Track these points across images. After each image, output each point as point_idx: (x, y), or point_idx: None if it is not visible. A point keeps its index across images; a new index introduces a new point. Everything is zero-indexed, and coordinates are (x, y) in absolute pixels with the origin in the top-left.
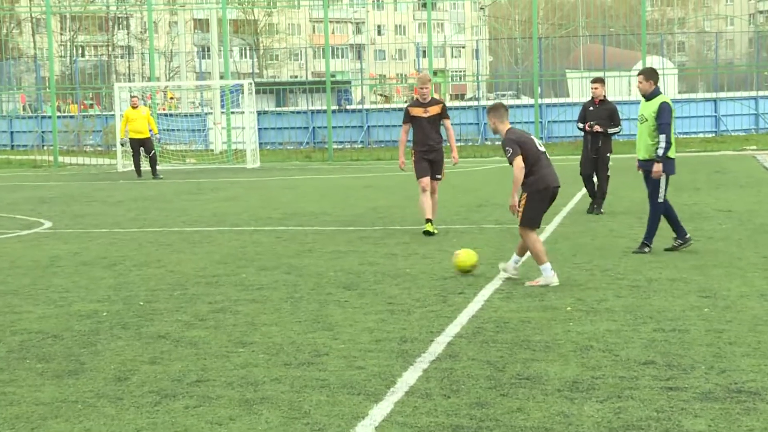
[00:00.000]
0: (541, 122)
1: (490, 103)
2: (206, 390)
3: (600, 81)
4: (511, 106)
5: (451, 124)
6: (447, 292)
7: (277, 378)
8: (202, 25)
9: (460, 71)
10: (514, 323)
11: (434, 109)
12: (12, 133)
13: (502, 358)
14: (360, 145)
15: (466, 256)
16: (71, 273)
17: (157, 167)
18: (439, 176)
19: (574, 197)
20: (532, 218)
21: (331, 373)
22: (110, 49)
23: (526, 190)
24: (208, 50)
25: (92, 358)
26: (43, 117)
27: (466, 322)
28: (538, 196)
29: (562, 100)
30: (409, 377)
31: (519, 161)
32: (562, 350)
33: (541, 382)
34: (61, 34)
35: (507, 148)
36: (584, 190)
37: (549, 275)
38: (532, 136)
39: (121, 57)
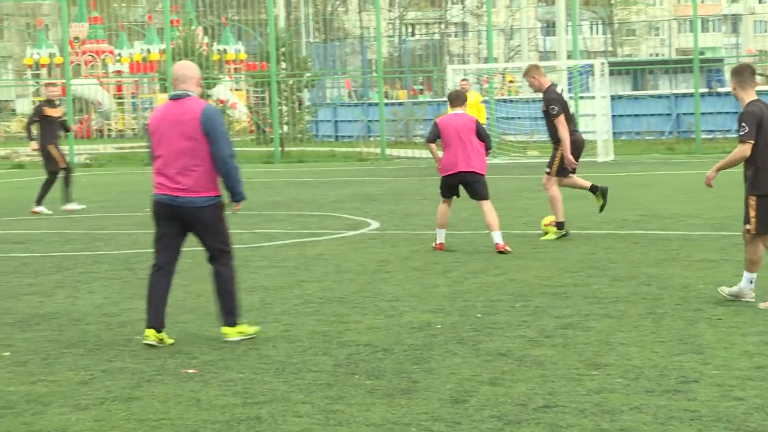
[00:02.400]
0: None
1: None
2: (555, 417)
3: None
4: None
5: None
6: None
7: (638, 407)
8: None
9: None
10: None
11: None
12: (336, 122)
13: None
14: (734, 135)
15: None
16: (401, 279)
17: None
18: None
19: None
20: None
21: (703, 404)
22: (443, 26)
23: (754, 193)
24: (554, 26)
25: (426, 375)
26: (369, 104)
27: None
28: None
29: None
30: None
31: (746, 150)
32: None
33: None
34: (390, 11)
35: (742, 125)
36: None
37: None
38: None
39: (455, 35)
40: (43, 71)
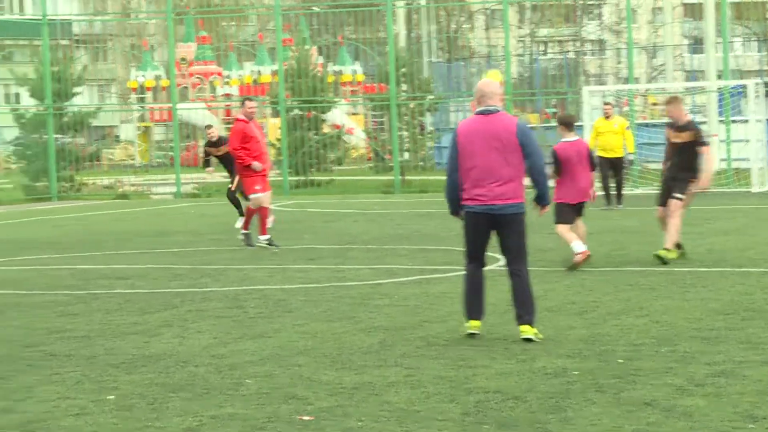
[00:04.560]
0: None
1: None
2: None
3: None
4: None
5: None
6: None
7: None
8: (693, 11)
9: None
10: None
11: None
12: None
13: None
14: None
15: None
16: (540, 319)
17: (623, 192)
18: None
19: None
20: None
21: None
22: (578, 44)
23: None
24: (701, 42)
25: (562, 426)
26: None
27: None
28: None
29: None
30: None
31: None
32: None
33: None
34: (519, 28)
35: None
36: None
37: None
38: None
39: (591, 54)
40: (149, 95)
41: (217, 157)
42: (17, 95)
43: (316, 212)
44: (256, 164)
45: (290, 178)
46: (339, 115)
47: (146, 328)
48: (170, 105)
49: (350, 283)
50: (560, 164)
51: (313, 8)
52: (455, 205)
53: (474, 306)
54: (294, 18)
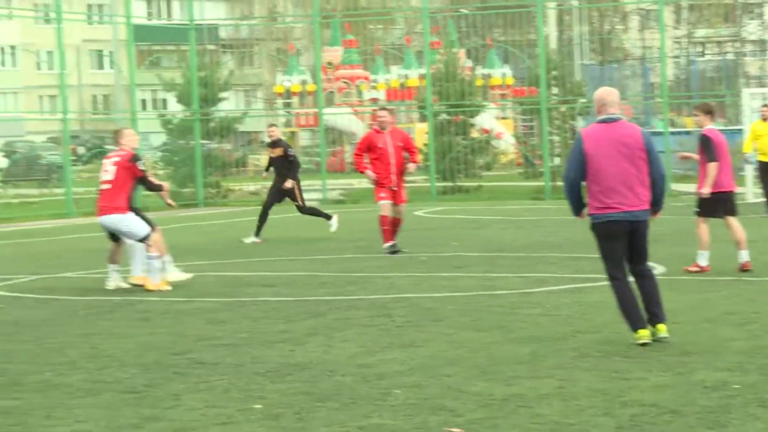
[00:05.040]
0: None
1: None
2: None
3: None
4: None
5: None
6: None
7: None
8: None
9: None
10: None
11: None
12: None
13: None
14: None
15: None
16: (690, 332)
17: None
18: None
19: None
20: None
21: None
22: (738, 45)
23: None
24: None
25: None
26: (653, 133)
27: None
28: None
29: None
30: None
31: None
32: None
33: None
34: (676, 29)
35: None
36: None
37: None
38: None
39: (752, 54)
40: (295, 99)
41: (271, 158)
42: (164, 101)
43: (464, 219)
44: (369, 173)
45: (437, 184)
46: (488, 119)
47: (293, 336)
48: (316, 110)
49: (499, 292)
50: (715, 149)
51: (462, 10)
52: (579, 205)
53: (636, 315)
54: (442, 20)
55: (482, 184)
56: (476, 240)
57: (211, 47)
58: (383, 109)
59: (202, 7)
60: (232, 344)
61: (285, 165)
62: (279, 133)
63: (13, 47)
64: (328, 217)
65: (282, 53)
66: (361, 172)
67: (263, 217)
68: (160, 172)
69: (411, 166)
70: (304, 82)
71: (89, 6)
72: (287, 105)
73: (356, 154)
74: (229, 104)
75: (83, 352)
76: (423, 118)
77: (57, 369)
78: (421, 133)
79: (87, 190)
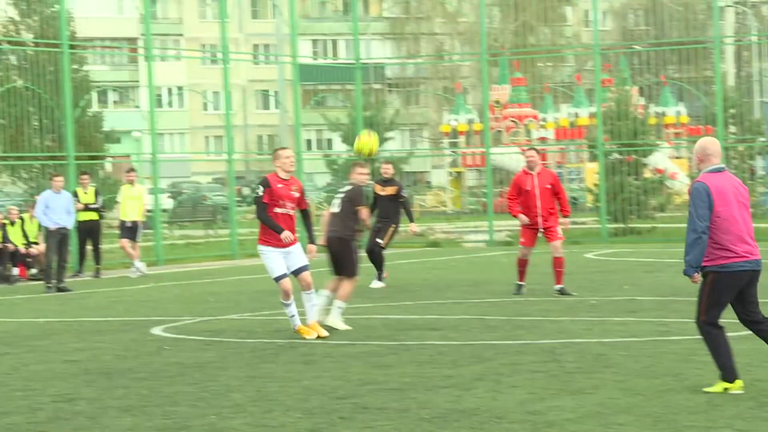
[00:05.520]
0: None
1: None
2: None
3: None
4: None
5: None
6: None
7: None
8: None
9: None
10: None
11: None
12: None
13: None
14: None
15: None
16: None
17: None
18: None
19: None
20: None
21: None
22: None
23: None
24: None
25: None
26: None
27: None
28: None
29: None
30: None
31: None
32: None
33: None
34: None
35: None
36: None
37: None
38: None
39: None
40: (461, 139)
41: (378, 197)
42: (329, 141)
43: (636, 262)
44: (522, 218)
45: (608, 226)
46: (661, 158)
47: (459, 381)
48: (483, 149)
49: (674, 338)
50: None
51: (635, 47)
52: (701, 260)
53: (733, 365)
54: (614, 57)
55: (656, 225)
56: (649, 283)
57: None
58: (531, 149)
59: (368, 46)
60: (398, 389)
61: (394, 206)
62: (392, 170)
63: (180, 88)
64: (380, 274)
65: (449, 92)
66: (514, 216)
67: (379, 259)
68: (325, 213)
69: (565, 222)
70: (470, 121)
71: (255, 46)
72: (453, 144)
73: (508, 197)
74: (394, 144)
75: (248, 396)
76: (593, 158)
77: (222, 412)
78: (591, 173)
79: (251, 231)
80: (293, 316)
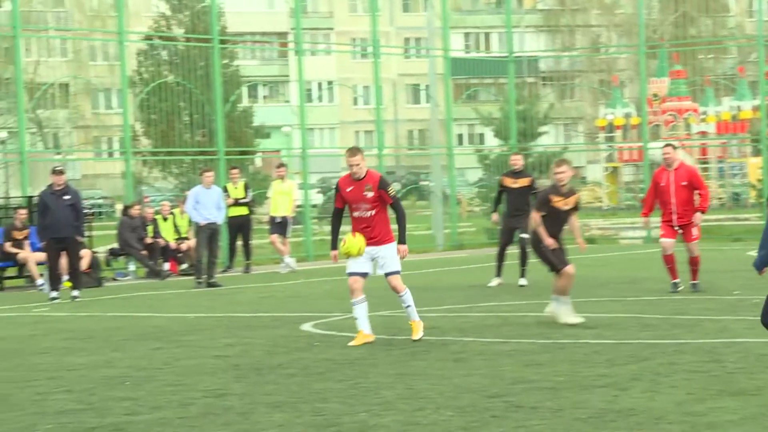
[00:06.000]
0: None
1: None
2: None
3: None
4: None
5: None
6: None
7: None
8: None
9: None
10: None
11: None
12: None
13: None
14: None
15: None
16: None
17: None
18: None
19: None
20: None
21: None
22: None
23: None
24: None
25: None
26: None
27: None
28: None
29: None
30: None
31: None
32: None
33: None
34: None
35: None
36: None
37: None
38: None
39: None
40: (618, 133)
41: (508, 189)
42: (481, 135)
43: None
44: (646, 220)
45: None
46: None
47: (615, 381)
48: (641, 144)
49: None
50: None
51: None
52: None
53: None
54: None
55: None
56: None
57: (531, 80)
58: (668, 145)
59: (521, 39)
60: (551, 388)
61: (526, 198)
62: (522, 161)
63: (330, 82)
64: (525, 270)
65: (605, 85)
66: (642, 215)
67: (526, 256)
68: (476, 208)
69: (697, 217)
70: (627, 115)
71: (406, 40)
72: (610, 139)
73: (647, 195)
74: (548, 138)
75: (398, 393)
76: (757, 152)
77: (372, 410)
78: (754, 168)
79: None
80: (357, 318)
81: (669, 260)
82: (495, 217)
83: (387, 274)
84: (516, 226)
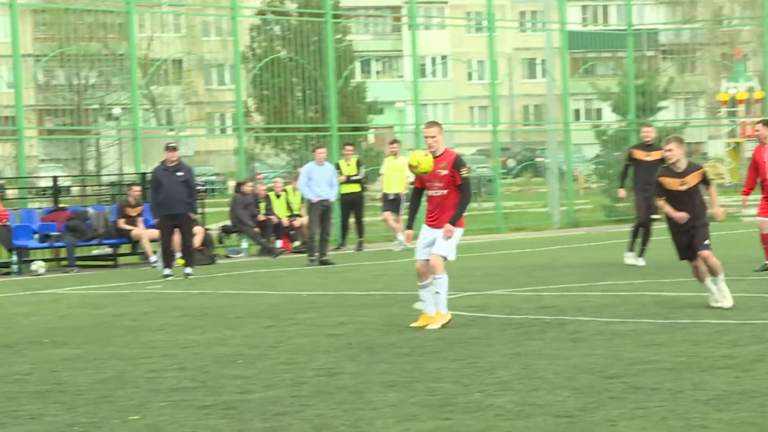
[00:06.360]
0: None
1: None
2: None
3: None
4: None
5: None
6: None
7: None
8: None
9: None
10: None
11: None
12: None
13: None
14: None
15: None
16: None
17: None
18: None
19: None
20: None
21: None
22: None
23: None
24: None
25: None
26: None
27: None
28: None
29: None
30: None
31: None
32: None
33: None
34: None
35: None
36: None
37: None
38: None
39: None
40: (740, 108)
41: (642, 161)
42: (599, 110)
43: None
44: (744, 200)
45: None
46: None
47: (737, 362)
48: (747, 120)
49: None
50: None
51: None
52: None
53: None
54: None
55: None
56: None
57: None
58: (760, 122)
59: (640, 11)
60: (671, 369)
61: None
62: (653, 132)
63: (444, 57)
64: (644, 249)
65: (727, 58)
66: (742, 194)
67: (646, 236)
68: (594, 185)
69: None
70: (751, 89)
71: (522, 13)
72: (732, 114)
73: (748, 172)
74: (668, 113)
75: (514, 373)
76: None
77: (487, 390)
78: None
79: (516, 204)
80: (423, 300)
81: (766, 239)
82: (622, 192)
83: (433, 253)
84: (651, 199)
